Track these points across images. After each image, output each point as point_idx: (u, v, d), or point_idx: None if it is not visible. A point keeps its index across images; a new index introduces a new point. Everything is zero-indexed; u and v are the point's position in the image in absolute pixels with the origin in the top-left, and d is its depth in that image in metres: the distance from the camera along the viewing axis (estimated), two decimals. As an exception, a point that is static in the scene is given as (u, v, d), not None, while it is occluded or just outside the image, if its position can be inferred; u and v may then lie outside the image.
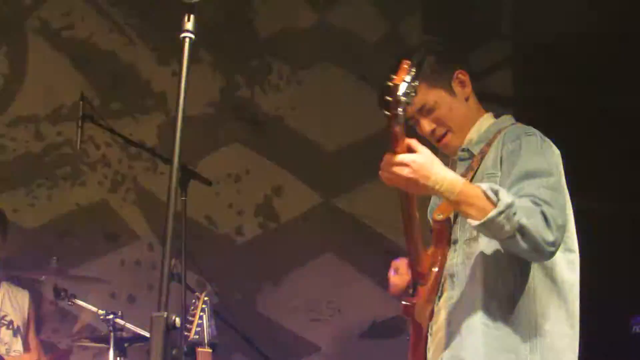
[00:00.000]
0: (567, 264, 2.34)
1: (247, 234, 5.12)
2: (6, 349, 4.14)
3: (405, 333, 2.46)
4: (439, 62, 2.45)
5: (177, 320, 1.79)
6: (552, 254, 2.16)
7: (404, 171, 2.06)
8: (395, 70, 2.07)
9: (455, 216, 2.34)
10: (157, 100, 4.97)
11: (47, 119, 4.85)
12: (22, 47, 4.90)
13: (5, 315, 4.27)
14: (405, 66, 2.05)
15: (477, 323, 2.24)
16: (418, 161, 2.08)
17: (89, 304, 3.95)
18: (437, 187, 2.10)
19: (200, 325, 3.42)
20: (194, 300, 3.50)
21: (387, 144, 2.13)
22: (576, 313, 2.34)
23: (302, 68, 5.28)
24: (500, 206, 2.04)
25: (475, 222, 2.10)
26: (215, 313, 3.61)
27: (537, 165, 2.26)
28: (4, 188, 4.75)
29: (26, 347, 4.52)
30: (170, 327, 1.77)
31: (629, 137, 4.88)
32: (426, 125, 2.41)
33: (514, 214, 2.05)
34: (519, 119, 2.47)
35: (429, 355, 2.38)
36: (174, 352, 2.23)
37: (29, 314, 4.47)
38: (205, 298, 3.48)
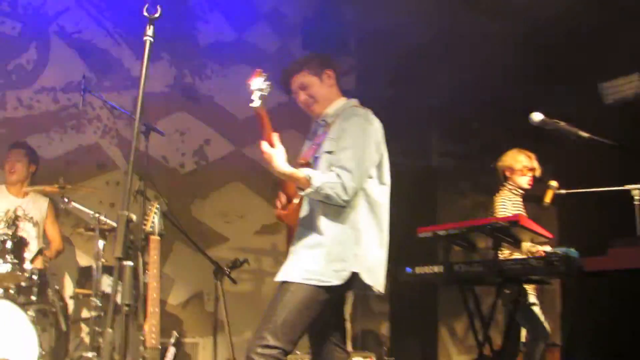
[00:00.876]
0: (380, 193, 3.09)
1: (187, 168, 6.50)
2: (27, 235, 4.87)
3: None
4: (317, 62, 3.21)
5: (134, 216, 2.33)
6: (347, 202, 2.91)
7: (264, 156, 2.84)
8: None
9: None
10: (133, 82, 6.17)
11: (61, 90, 6.08)
12: (46, 43, 6.10)
13: (28, 214, 5.27)
14: (257, 73, 2.90)
15: (315, 235, 2.98)
16: (268, 153, 2.86)
17: (84, 207, 4.89)
18: (277, 172, 2.87)
19: (152, 222, 4.09)
20: (149, 207, 4.20)
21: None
22: (382, 225, 3.09)
23: (225, 67, 6.70)
24: (312, 187, 2.85)
25: (301, 192, 2.94)
26: (164, 215, 4.26)
27: (353, 140, 2.98)
28: (32, 132, 5.91)
29: (49, 238, 5.42)
30: (129, 220, 2.30)
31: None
32: (302, 96, 3.19)
33: (322, 189, 2.84)
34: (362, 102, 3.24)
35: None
36: (131, 237, 2.32)
37: (47, 212, 5.42)
38: (157, 205, 4.17)
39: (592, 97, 5.76)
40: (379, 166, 3.09)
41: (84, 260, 5.85)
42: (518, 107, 4.01)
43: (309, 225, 3.00)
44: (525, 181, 4.91)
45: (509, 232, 3.92)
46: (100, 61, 6.24)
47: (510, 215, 4.58)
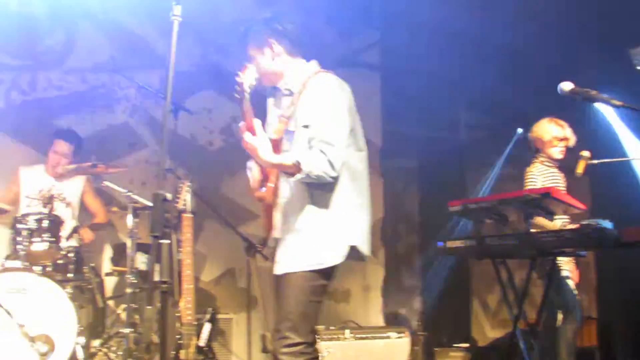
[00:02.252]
0: (358, 159, 3.05)
1: (216, 145, 6.51)
2: (60, 215, 4.90)
3: None
4: (258, 32, 3.09)
5: (169, 195, 2.38)
6: (335, 178, 2.87)
7: (247, 146, 2.81)
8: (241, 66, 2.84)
9: None
10: (158, 60, 6.10)
11: (89, 70, 6.12)
12: (73, 24, 6.13)
13: (62, 194, 5.32)
14: (245, 67, 2.84)
15: (305, 207, 2.92)
16: (251, 144, 2.81)
17: (116, 186, 4.98)
18: (263, 162, 2.85)
19: (184, 200, 4.34)
20: (181, 185, 4.41)
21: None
22: (364, 191, 3.06)
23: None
24: (303, 173, 2.80)
25: (291, 178, 2.85)
26: (195, 193, 4.61)
27: (330, 111, 2.91)
28: (63, 113, 5.98)
29: (92, 212, 5.58)
30: (164, 199, 2.36)
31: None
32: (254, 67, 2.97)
33: (312, 172, 2.79)
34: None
35: (275, 221, 3.02)
36: (166, 215, 2.33)
37: (84, 190, 5.50)
38: (188, 183, 4.45)
39: (624, 63, 5.59)
40: (354, 133, 3.02)
41: (117, 238, 5.92)
42: (547, 76, 4.00)
43: (294, 210, 2.94)
44: (556, 152, 4.79)
45: (540, 204, 3.87)
46: (127, 41, 6.27)
47: (540, 187, 4.51)
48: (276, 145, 2.92)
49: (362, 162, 3.06)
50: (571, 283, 4.68)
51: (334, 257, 2.92)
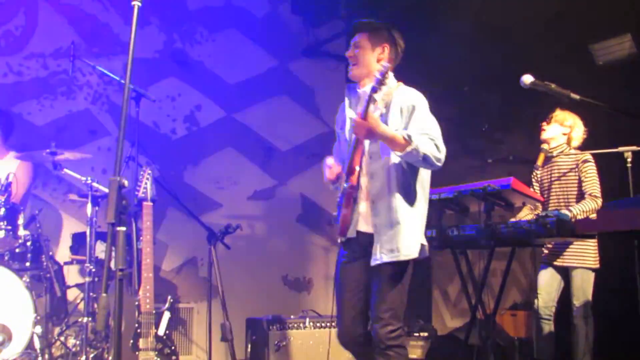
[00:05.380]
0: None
1: (179, 134, 6.50)
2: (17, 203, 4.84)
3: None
4: (382, 34, 3.35)
5: (126, 182, 2.34)
6: (440, 163, 3.15)
7: (366, 125, 3.06)
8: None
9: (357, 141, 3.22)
10: (122, 47, 6.09)
11: (51, 56, 6.00)
12: (34, 8, 5.96)
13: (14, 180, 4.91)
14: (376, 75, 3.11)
15: (392, 200, 3.20)
16: (371, 120, 3.08)
17: (76, 173, 4.88)
18: (380, 135, 3.10)
19: (145, 188, 4.26)
20: (142, 172, 4.35)
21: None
22: (427, 194, 3.36)
23: (215, 32, 6.71)
24: (413, 145, 3.06)
25: (399, 153, 3.13)
26: (156, 181, 4.50)
27: (426, 115, 3.25)
28: (23, 99, 5.85)
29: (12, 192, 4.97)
30: (121, 186, 2.32)
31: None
32: (352, 51, 3.39)
33: (420, 148, 3.05)
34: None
35: (357, 215, 3.27)
36: (124, 202, 2.30)
37: (17, 168, 5.23)
38: (149, 171, 4.35)
39: (585, 59, 5.69)
40: None
41: (77, 226, 5.85)
42: (509, 70, 4.03)
43: (388, 202, 3.20)
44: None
45: (501, 195, 3.92)
46: (89, 27, 6.17)
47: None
48: (357, 147, 3.24)
49: (428, 172, 3.39)
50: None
51: (420, 250, 3.24)
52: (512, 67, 4.40)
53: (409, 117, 3.19)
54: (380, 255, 3.17)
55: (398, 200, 3.19)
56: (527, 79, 3.28)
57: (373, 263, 3.18)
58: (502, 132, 7.07)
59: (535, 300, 4.61)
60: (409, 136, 3.05)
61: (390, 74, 3.30)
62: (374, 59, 3.32)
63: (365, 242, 3.23)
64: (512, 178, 3.85)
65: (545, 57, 5.57)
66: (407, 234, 3.17)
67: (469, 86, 6.72)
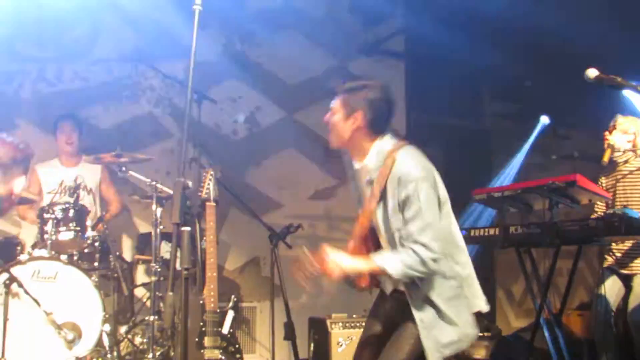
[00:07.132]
0: (448, 223, 3.01)
1: (240, 134, 6.60)
2: (84, 203, 4.98)
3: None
4: (354, 99, 2.95)
5: (190, 183, 2.41)
6: (430, 273, 2.82)
7: (329, 268, 2.92)
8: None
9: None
10: (183, 51, 5.31)
11: (114, 61, 6.15)
12: (98, 15, 6.10)
13: (82, 182, 5.34)
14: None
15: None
16: (333, 263, 2.92)
17: (140, 175, 4.95)
18: (353, 272, 2.92)
19: (208, 189, 4.30)
20: (204, 173, 4.39)
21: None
22: (462, 242, 3.06)
23: (274, 33, 6.69)
24: (394, 277, 2.81)
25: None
26: (218, 182, 4.49)
27: (419, 206, 2.79)
28: (89, 103, 6.02)
29: (106, 200, 5.62)
30: (185, 187, 2.38)
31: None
32: (327, 115, 3.01)
33: (404, 275, 2.79)
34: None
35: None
36: (188, 203, 2.35)
37: (102, 177, 5.56)
38: (212, 172, 4.38)
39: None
40: (440, 202, 2.96)
41: (142, 227, 5.98)
42: (572, 64, 3.91)
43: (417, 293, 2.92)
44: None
45: (565, 192, 3.84)
46: (152, 31, 6.22)
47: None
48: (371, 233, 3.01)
49: (450, 217, 3.04)
50: None
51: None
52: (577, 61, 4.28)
53: (402, 213, 2.84)
54: None
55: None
56: (592, 72, 3.18)
57: None
58: (566, 128, 6.92)
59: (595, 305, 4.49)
60: (385, 269, 2.80)
61: (386, 137, 2.98)
62: (348, 128, 2.94)
63: None
64: (577, 175, 3.76)
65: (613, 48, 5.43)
66: None
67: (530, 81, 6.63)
